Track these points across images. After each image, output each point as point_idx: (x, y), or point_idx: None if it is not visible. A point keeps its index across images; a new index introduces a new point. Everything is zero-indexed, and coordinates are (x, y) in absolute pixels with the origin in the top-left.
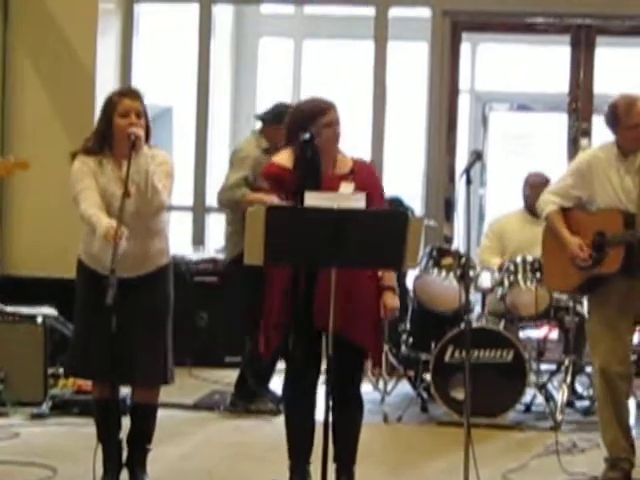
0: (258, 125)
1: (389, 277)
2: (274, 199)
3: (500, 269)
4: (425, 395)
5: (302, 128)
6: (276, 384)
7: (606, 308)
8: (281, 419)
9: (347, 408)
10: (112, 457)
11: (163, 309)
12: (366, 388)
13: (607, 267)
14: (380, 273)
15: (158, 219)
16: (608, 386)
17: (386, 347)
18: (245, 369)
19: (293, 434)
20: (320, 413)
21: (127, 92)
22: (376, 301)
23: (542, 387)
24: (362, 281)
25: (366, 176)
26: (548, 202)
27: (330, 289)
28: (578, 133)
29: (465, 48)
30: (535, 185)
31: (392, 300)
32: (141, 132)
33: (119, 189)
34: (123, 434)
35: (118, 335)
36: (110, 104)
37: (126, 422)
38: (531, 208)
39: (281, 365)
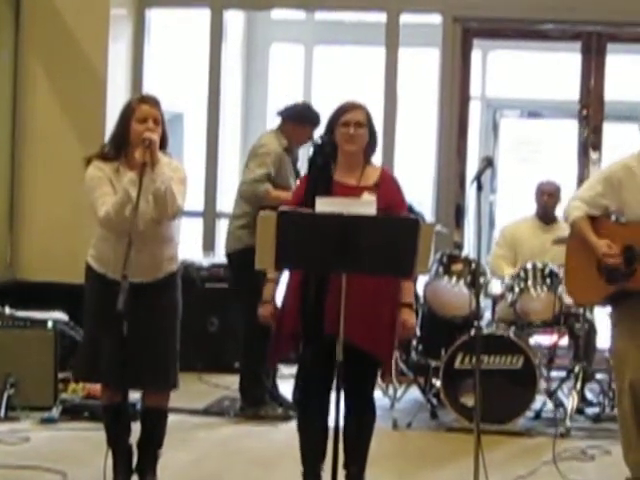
0: (277, 122)
1: (408, 293)
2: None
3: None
4: (435, 401)
5: (329, 126)
6: (286, 389)
7: (634, 323)
8: (291, 425)
9: (359, 414)
10: (122, 462)
11: (171, 315)
12: (376, 394)
13: (636, 282)
14: (393, 283)
15: (170, 226)
16: (638, 404)
17: (396, 353)
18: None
19: (305, 440)
20: (332, 419)
21: (146, 99)
22: (392, 313)
23: (552, 394)
24: (377, 289)
25: (389, 189)
26: (574, 208)
27: (341, 295)
28: (588, 140)
29: (476, 55)
30: (547, 193)
31: (410, 318)
32: (156, 137)
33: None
34: (133, 439)
35: (126, 339)
36: (128, 109)
37: (136, 427)
38: (543, 215)
39: (292, 370)
